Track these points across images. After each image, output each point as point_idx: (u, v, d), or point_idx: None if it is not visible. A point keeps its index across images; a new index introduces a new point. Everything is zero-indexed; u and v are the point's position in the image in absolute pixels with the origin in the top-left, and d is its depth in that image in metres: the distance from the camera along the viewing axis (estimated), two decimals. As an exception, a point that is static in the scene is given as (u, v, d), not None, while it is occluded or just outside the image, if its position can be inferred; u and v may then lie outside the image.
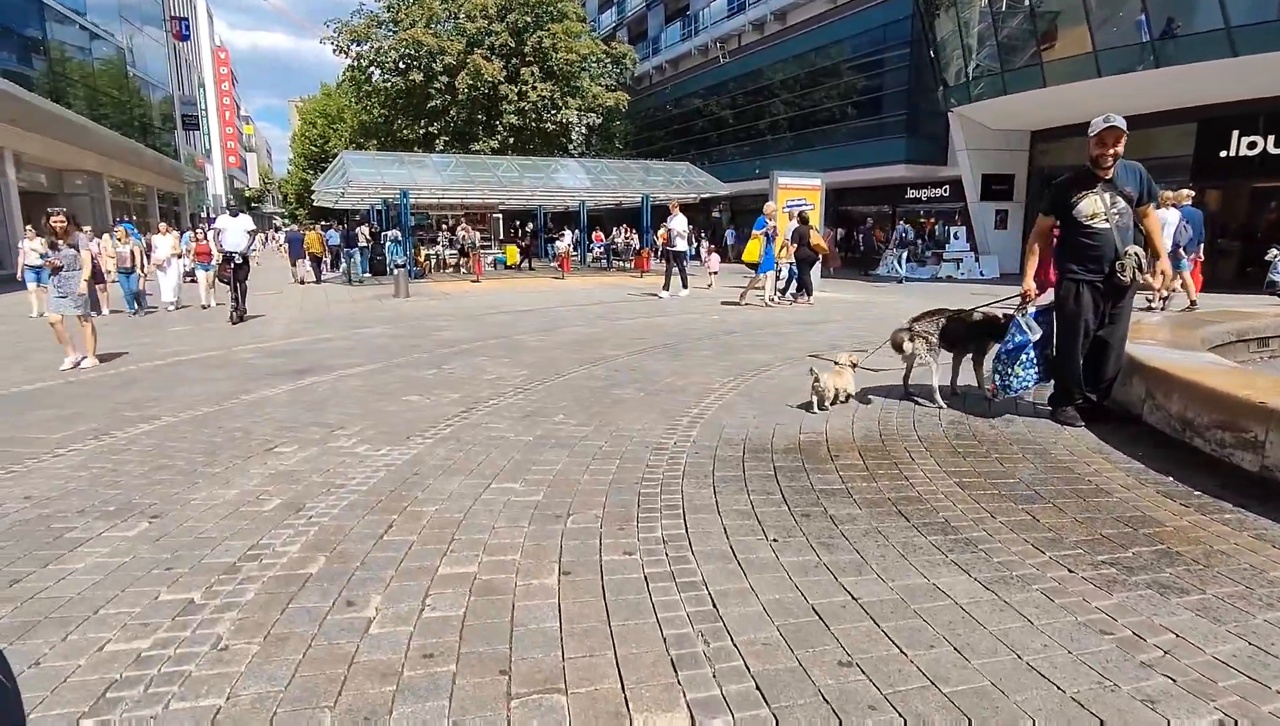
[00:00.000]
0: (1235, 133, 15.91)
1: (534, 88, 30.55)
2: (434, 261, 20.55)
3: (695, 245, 25.29)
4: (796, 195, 16.14)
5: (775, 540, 2.69)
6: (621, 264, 24.58)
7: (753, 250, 12.27)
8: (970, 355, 4.89)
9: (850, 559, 2.53)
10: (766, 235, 12.19)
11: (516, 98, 30.61)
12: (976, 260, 20.65)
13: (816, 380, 4.56)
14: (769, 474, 3.45)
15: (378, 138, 32.37)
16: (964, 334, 4.74)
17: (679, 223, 14.17)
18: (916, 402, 4.81)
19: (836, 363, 4.87)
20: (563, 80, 31.90)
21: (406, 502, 3.15)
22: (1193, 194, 11.82)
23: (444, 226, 24.32)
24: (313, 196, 32.98)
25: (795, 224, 13.07)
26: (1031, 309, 4.15)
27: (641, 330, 8.93)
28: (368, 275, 18.23)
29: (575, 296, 14.18)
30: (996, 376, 4.25)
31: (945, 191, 24.02)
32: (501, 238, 25.00)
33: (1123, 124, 3.93)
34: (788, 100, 27.03)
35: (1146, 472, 3.40)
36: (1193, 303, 10.35)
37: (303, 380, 6.03)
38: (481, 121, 31.53)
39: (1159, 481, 3.28)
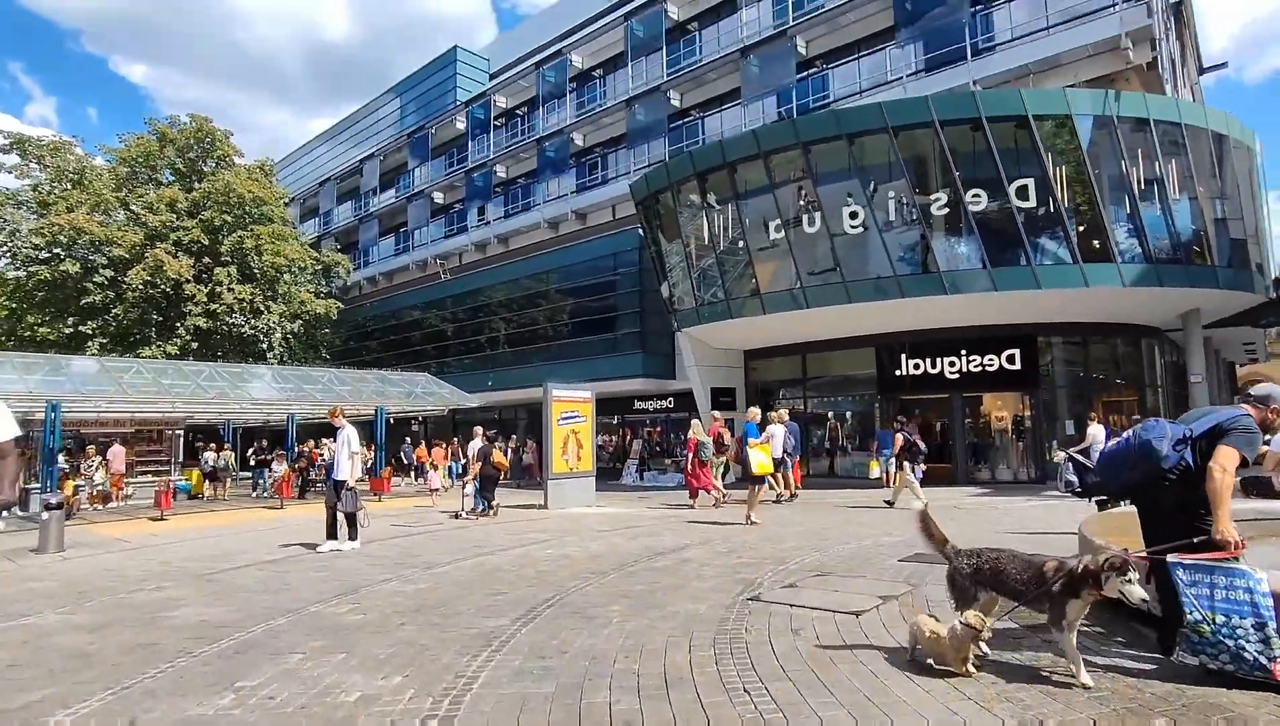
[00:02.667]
0: (903, 356, 19.61)
1: (230, 289, 26.99)
2: (86, 494, 15.36)
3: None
4: (570, 407, 15.58)
5: None
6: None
7: (764, 461, 11.10)
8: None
9: None
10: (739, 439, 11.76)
11: (207, 298, 26.63)
12: (715, 466, 21.81)
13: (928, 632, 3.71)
14: None
15: (-4, 336, 25.21)
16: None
17: (344, 437, 9.59)
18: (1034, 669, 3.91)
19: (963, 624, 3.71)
20: (265, 283, 28.85)
21: None
22: (786, 412, 16.11)
23: (86, 449, 18.64)
24: None
25: (480, 442, 13.77)
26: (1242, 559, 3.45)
27: (483, 580, 6.92)
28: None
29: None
30: (1223, 645, 3.41)
31: (670, 403, 25.70)
32: (182, 459, 19.99)
33: None
34: (518, 317, 27.46)
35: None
36: (794, 495, 14.49)
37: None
38: (156, 322, 26.55)
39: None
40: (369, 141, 41.87)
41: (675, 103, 25.61)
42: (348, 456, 9.48)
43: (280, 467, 16.99)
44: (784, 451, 14.12)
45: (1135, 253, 16.49)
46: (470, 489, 13.55)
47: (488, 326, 29.09)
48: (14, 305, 25.27)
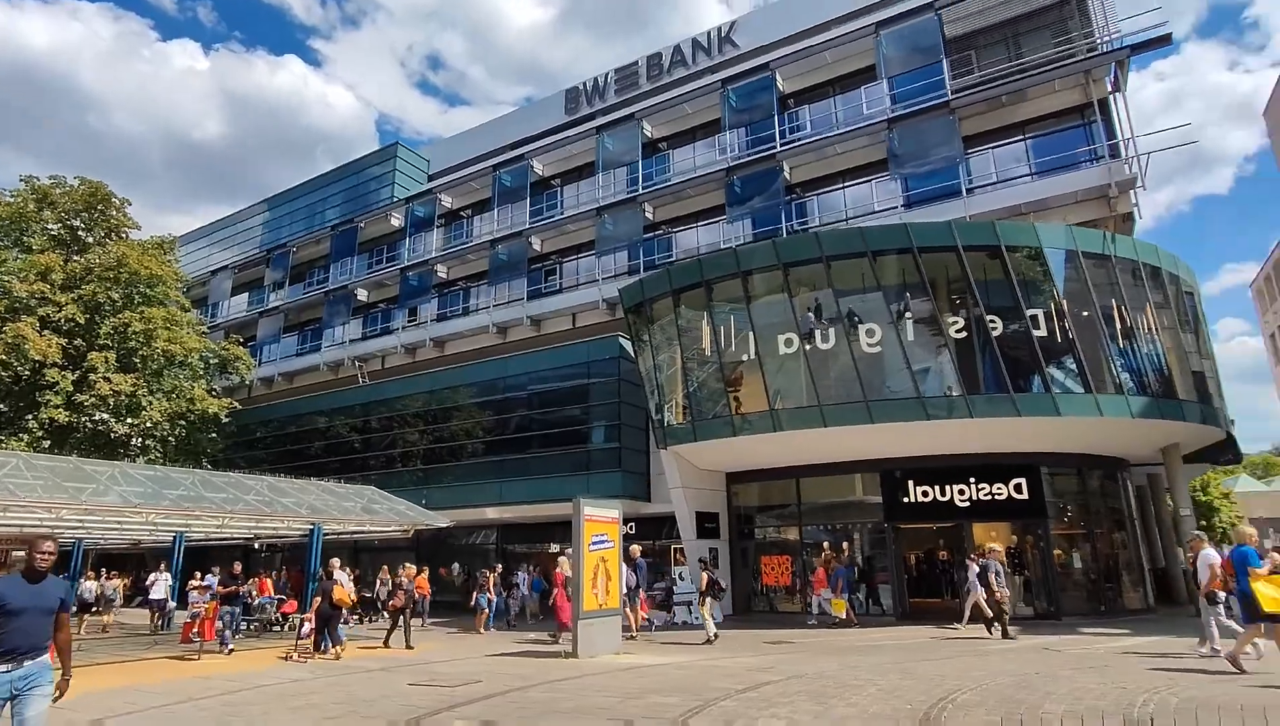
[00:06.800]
0: (911, 482, 18.71)
1: (106, 378, 22.30)
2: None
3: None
4: (600, 529, 13.11)
5: None
6: (252, 625, 16.56)
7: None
8: None
9: None
10: None
11: (73, 388, 21.78)
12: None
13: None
14: None
15: None
16: None
17: None
18: None
19: None
20: (149, 375, 24.28)
21: None
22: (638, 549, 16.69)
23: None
24: None
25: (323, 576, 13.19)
26: None
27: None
28: None
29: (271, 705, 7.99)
30: None
31: (631, 529, 23.23)
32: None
33: None
34: (461, 428, 24.44)
35: None
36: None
37: None
38: (1, 413, 21.26)
39: None
40: (263, 236, 38.38)
41: (649, 216, 25.10)
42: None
43: (202, 599, 13.02)
44: (628, 588, 14.76)
45: (1132, 386, 16.91)
46: (306, 626, 13.01)
47: (419, 437, 25.67)
48: None
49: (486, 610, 17.36)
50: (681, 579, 19.62)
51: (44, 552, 4.44)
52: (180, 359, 25.25)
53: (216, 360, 27.91)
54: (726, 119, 23.79)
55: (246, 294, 37.25)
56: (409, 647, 13.40)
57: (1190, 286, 19.73)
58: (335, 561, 14.26)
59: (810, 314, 17.62)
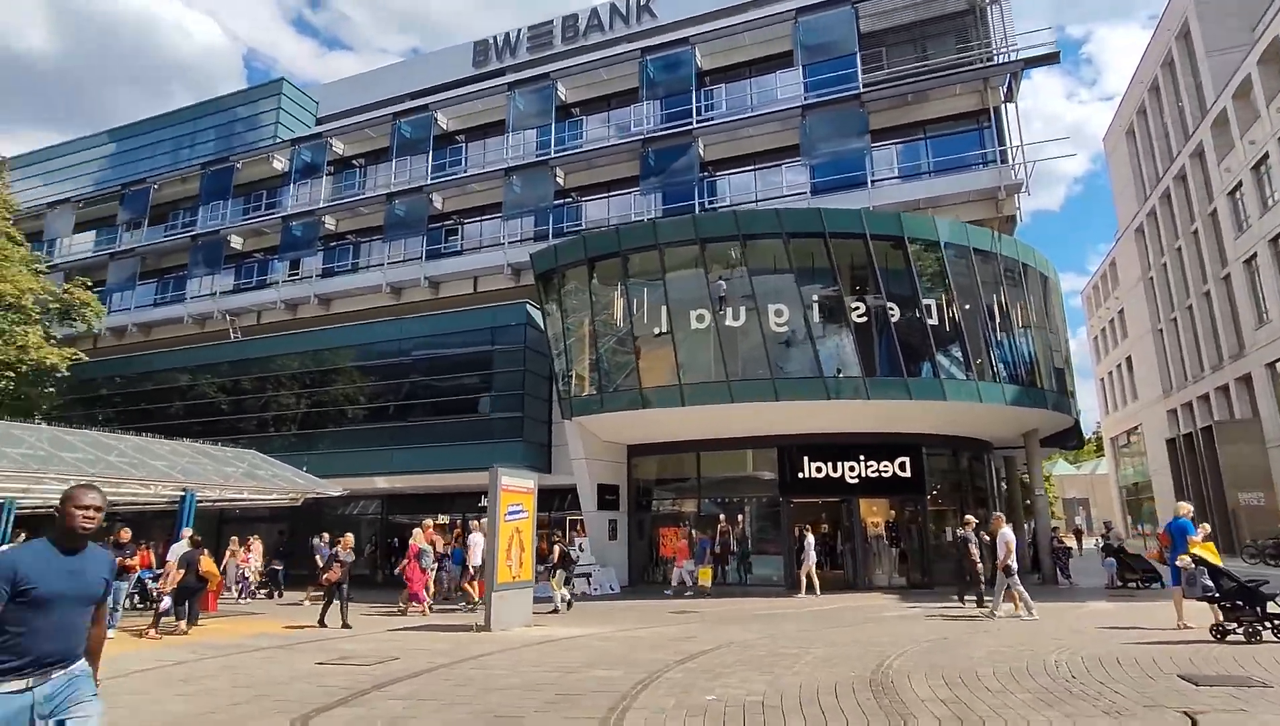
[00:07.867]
0: (806, 458, 19.53)
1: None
2: None
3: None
4: (515, 499, 12.74)
5: None
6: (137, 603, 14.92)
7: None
8: None
9: None
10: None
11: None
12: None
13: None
14: None
15: None
16: None
17: None
18: None
19: None
20: (-24, 318, 21.19)
21: None
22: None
23: None
24: None
25: (185, 547, 12.38)
26: None
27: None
28: None
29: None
30: None
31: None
32: None
33: None
34: (352, 392, 22.93)
35: None
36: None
37: None
38: None
39: None
40: (110, 170, 34.11)
41: (559, 181, 24.46)
42: None
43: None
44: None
45: (1005, 375, 18.43)
46: (167, 602, 12.06)
47: (299, 400, 23.85)
48: None
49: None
50: (582, 549, 19.55)
51: (87, 508, 2.93)
52: (10, 300, 22.10)
53: (57, 305, 24.63)
54: (644, 89, 23.50)
55: (92, 233, 33.11)
56: (346, 625, 12.29)
57: (1056, 288, 21.70)
58: (187, 531, 13.36)
59: (723, 283, 17.81)
